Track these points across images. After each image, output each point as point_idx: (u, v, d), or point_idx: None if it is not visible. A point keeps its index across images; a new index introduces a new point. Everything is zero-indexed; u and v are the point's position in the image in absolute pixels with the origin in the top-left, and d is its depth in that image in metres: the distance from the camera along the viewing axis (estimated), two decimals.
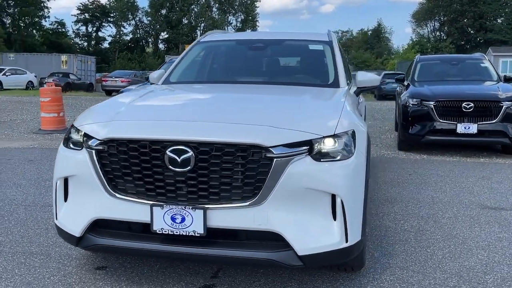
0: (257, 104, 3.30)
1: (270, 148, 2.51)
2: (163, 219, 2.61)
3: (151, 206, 2.62)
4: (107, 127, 2.75)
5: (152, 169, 2.62)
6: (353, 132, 2.83)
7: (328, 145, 2.65)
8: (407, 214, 4.50)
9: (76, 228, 2.79)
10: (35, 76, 30.34)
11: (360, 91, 4.09)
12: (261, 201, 2.54)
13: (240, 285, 2.97)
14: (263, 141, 2.52)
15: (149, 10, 77.17)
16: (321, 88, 3.74)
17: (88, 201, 2.76)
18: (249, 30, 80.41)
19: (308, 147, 2.60)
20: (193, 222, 2.58)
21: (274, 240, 2.59)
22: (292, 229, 2.58)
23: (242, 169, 2.54)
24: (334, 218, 2.63)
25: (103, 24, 77.44)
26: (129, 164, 2.65)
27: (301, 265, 2.59)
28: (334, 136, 2.68)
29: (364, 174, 2.81)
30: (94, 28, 76.95)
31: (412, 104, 7.95)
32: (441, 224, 4.22)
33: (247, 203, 2.55)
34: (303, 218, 2.60)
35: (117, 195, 2.68)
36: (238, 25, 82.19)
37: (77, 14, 75.98)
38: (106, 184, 2.69)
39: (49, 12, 69.54)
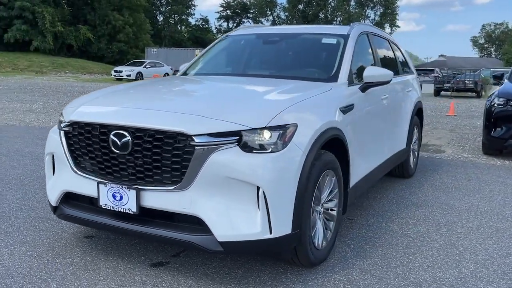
0: (210, 95, 3.45)
1: (193, 137, 2.65)
2: (106, 195, 2.91)
3: (98, 183, 2.94)
4: (75, 111, 3.13)
5: (100, 150, 2.93)
6: (296, 126, 2.82)
7: (258, 137, 2.70)
8: (423, 220, 4.21)
9: (53, 198, 3.23)
10: (171, 69, 33.14)
11: (366, 86, 3.92)
12: (186, 186, 2.70)
13: (192, 267, 3.15)
14: (188, 129, 2.67)
15: (286, 6, 78.93)
16: (310, 82, 3.70)
17: (62, 175, 3.18)
18: (387, 25, 77.60)
19: (237, 138, 2.68)
20: (129, 200, 2.83)
21: (198, 224, 2.73)
22: (213, 215, 2.69)
23: (169, 155, 2.72)
24: (258, 209, 2.67)
25: (243, 20, 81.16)
26: (85, 144, 3.00)
27: (221, 250, 2.70)
28: (265, 128, 2.71)
29: (298, 170, 2.78)
30: (235, 24, 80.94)
31: (498, 104, 7.19)
32: (452, 233, 3.89)
33: (173, 187, 2.73)
34: (226, 205, 2.69)
35: (77, 171, 3.05)
36: (376, 18, 79.77)
37: (220, 11, 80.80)
38: (71, 161, 3.08)
39: (194, 9, 74.94)
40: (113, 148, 2.86)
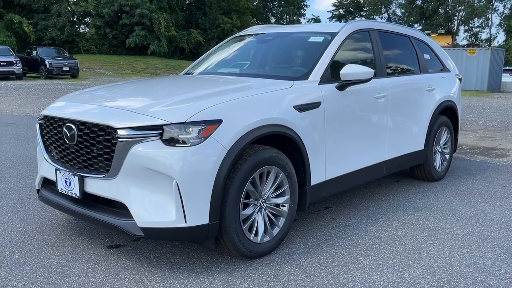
0: (156, 92, 3.67)
1: (117, 130, 2.92)
2: (61, 181, 3.30)
3: (55, 169, 3.33)
4: (48, 106, 3.57)
5: (58, 140, 3.33)
6: (219, 122, 2.95)
7: (178, 131, 2.88)
8: (410, 224, 4.01)
9: (36, 182, 3.71)
10: None
11: (343, 85, 3.84)
12: (114, 175, 2.97)
13: (141, 252, 3.42)
14: (114, 123, 2.94)
15: (403, 2, 75.85)
16: (272, 80, 3.75)
17: (42, 162, 3.63)
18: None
19: (160, 132, 2.89)
20: (74, 186, 3.18)
21: (124, 209, 2.99)
22: (135, 203, 2.93)
23: (101, 146, 3.02)
24: (173, 199, 2.85)
25: (355, 18, 79.63)
26: (50, 135, 3.42)
27: (142, 235, 2.92)
28: (184, 123, 2.88)
29: (216, 163, 2.89)
30: None
31: None
32: (430, 239, 3.67)
33: (103, 176, 3.02)
34: (146, 194, 2.92)
35: (48, 159, 3.48)
36: (505, 12, 73.08)
37: (332, 10, 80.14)
38: (44, 150, 3.52)
39: (306, 10, 75.33)
40: (65, 139, 3.23)
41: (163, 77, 4.89)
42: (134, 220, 2.92)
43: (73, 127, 3.15)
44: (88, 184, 3.14)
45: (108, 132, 2.97)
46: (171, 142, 2.87)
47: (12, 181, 5.25)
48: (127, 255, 3.33)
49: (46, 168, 3.51)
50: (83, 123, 3.11)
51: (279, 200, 3.39)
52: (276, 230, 3.38)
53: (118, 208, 3.08)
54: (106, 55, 41.69)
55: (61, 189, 3.31)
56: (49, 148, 3.48)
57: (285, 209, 3.42)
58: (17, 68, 23.76)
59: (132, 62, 39.57)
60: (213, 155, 2.90)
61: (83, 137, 3.10)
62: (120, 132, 2.90)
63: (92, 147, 3.06)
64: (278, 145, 3.43)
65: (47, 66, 24.82)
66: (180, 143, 2.87)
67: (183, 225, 2.87)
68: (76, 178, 3.15)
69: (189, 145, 2.87)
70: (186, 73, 4.81)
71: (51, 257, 3.27)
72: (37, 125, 3.58)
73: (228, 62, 4.73)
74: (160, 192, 2.89)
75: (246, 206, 3.17)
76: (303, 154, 3.48)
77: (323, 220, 4.09)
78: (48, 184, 3.63)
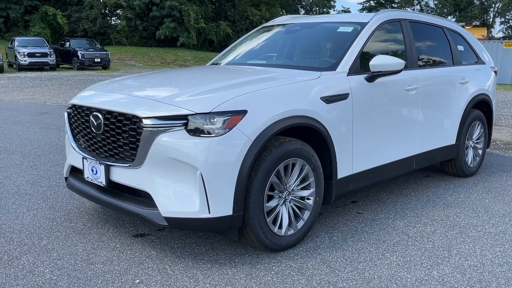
0: (183, 82, 3.65)
1: (143, 119, 2.92)
2: (88, 169, 3.33)
3: (82, 158, 3.37)
4: (77, 95, 3.60)
5: (85, 129, 3.36)
6: (244, 113, 2.92)
7: (203, 122, 2.86)
8: (439, 221, 3.90)
9: (64, 171, 3.76)
10: None
11: (373, 76, 3.75)
12: (139, 164, 2.98)
13: (167, 239, 3.43)
14: (139, 112, 2.94)
15: None
16: (300, 71, 3.69)
17: (70, 150, 3.67)
18: None
19: (185, 122, 2.88)
20: (101, 175, 3.21)
21: (149, 199, 2.99)
22: (159, 192, 2.93)
23: (127, 135, 3.02)
24: (197, 190, 2.84)
25: None
26: (77, 124, 3.45)
27: (166, 225, 2.93)
28: (209, 114, 2.86)
29: (240, 155, 2.86)
30: None
31: None
32: (460, 237, 3.56)
33: (128, 165, 3.03)
34: (171, 184, 2.91)
35: (75, 147, 3.51)
36: None
37: (363, 2, 78.88)
38: (72, 138, 3.56)
39: (335, 1, 74.40)
40: (92, 128, 3.25)
41: (190, 67, 4.89)
42: (158, 210, 2.92)
43: (100, 116, 3.17)
44: (114, 173, 3.16)
45: (134, 121, 2.98)
46: (196, 132, 2.85)
47: (43, 168, 5.36)
48: (151, 244, 3.34)
49: (74, 156, 3.55)
50: (109, 112, 3.12)
51: (304, 193, 3.34)
52: (300, 223, 3.34)
53: (142, 197, 3.09)
54: (136, 47, 42.19)
55: (87, 177, 3.34)
56: (77, 137, 3.52)
57: (310, 202, 3.37)
58: (51, 59, 24.26)
59: (162, 54, 39.92)
60: (237, 146, 2.87)
61: (109, 126, 3.12)
62: (145, 121, 2.90)
63: (118, 136, 3.08)
64: (304, 137, 3.37)
65: (80, 57, 25.27)
66: (205, 134, 2.85)
67: (207, 215, 2.85)
68: (102, 166, 3.18)
69: (213, 135, 2.84)
70: (213, 64, 4.78)
71: (77, 244, 3.32)
72: (66, 114, 3.62)
73: (255, 52, 4.68)
74: (184, 182, 2.88)
75: (270, 198, 3.14)
76: (330, 146, 3.42)
77: (349, 214, 4.02)
78: (76, 172, 3.68)
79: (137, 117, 2.95)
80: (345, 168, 3.60)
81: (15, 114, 9.77)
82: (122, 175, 3.11)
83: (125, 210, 3.09)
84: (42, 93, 13.91)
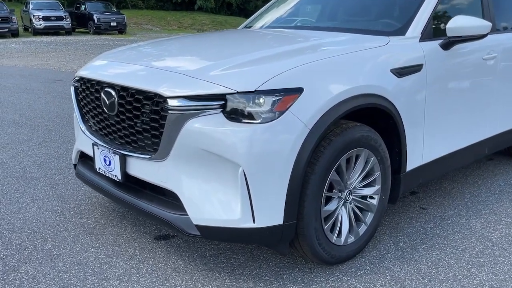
0: (215, 49, 2.94)
1: (168, 99, 2.24)
2: (99, 158, 2.69)
3: (93, 144, 2.72)
4: (85, 66, 2.93)
5: (96, 108, 2.70)
6: (300, 92, 2.22)
7: (246, 103, 2.18)
8: None
9: (73, 156, 3.14)
10: None
11: (449, 42, 2.99)
12: (164, 156, 2.32)
13: (196, 243, 2.81)
14: (164, 90, 2.26)
15: None
16: (363, 36, 2.95)
17: (79, 133, 3.04)
18: None
19: (222, 103, 2.20)
20: (115, 166, 2.57)
21: (177, 200, 2.35)
22: (190, 194, 2.29)
23: (148, 119, 2.36)
24: (238, 192, 2.18)
25: None
26: (86, 101, 2.79)
27: (197, 234, 2.29)
28: (255, 92, 2.17)
29: (294, 146, 2.18)
30: None
31: None
32: None
33: (150, 156, 2.38)
34: (203, 184, 2.26)
35: (85, 130, 2.87)
36: None
37: None
38: (81, 119, 2.92)
39: None
40: (104, 108, 2.60)
41: (221, 31, 4.15)
42: (188, 215, 2.28)
43: (113, 93, 2.50)
44: (131, 165, 2.51)
45: (157, 101, 2.30)
46: (237, 117, 2.18)
47: (53, 146, 4.77)
48: (177, 250, 2.73)
49: (83, 140, 2.91)
50: (125, 89, 2.45)
51: (368, 191, 2.67)
52: (362, 229, 2.68)
53: (168, 196, 2.45)
54: (153, 10, 41.08)
55: (99, 168, 2.71)
56: (86, 117, 2.88)
57: (375, 202, 2.70)
58: (67, 23, 23.52)
59: (179, 17, 38.81)
60: (291, 136, 2.18)
61: (124, 106, 2.46)
62: (171, 102, 2.23)
63: (136, 120, 2.42)
64: (367, 121, 2.67)
65: (95, 21, 24.45)
66: (249, 119, 2.17)
67: (251, 225, 2.20)
68: (117, 157, 2.53)
69: (259, 121, 2.16)
70: (246, 28, 4.05)
71: (88, 250, 2.72)
72: (72, 88, 2.96)
73: (299, 12, 3.92)
74: (221, 182, 2.22)
75: (328, 200, 2.47)
76: (400, 131, 2.72)
77: (411, 210, 3.34)
78: (86, 159, 3.05)
79: (160, 96, 2.27)
80: (415, 157, 2.91)
81: (27, 81, 9.20)
82: (142, 168, 2.46)
83: (146, 212, 2.46)
84: (57, 59, 13.30)
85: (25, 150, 4.63)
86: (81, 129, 2.88)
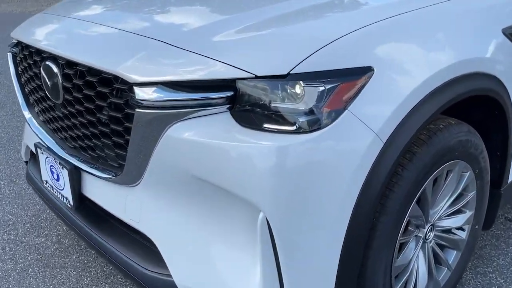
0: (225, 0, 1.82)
1: (134, 87, 1.28)
2: (45, 168, 1.77)
3: (35, 146, 1.80)
4: (25, 24, 1.96)
5: (39, 91, 1.76)
6: (369, 75, 1.24)
7: (270, 96, 1.21)
8: None
9: (23, 152, 2.22)
10: None
11: None
12: (134, 180, 1.39)
13: None
14: (128, 70, 1.29)
15: None
16: None
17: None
18: None
19: (230, 95, 1.23)
20: (65, 185, 1.65)
21: (155, 246, 1.44)
22: (175, 246, 1.37)
23: (106, 117, 1.41)
24: (258, 255, 1.25)
25: None
26: (28, 77, 1.84)
27: None
28: (286, 77, 1.19)
29: (357, 177, 1.23)
30: None
31: None
32: None
33: (112, 176, 1.45)
34: (199, 234, 1.33)
35: (28, 119, 1.94)
36: None
37: None
38: (23, 101, 1.98)
39: None
40: (46, 91, 1.65)
41: None
42: (172, 279, 1.37)
43: (56, 70, 1.54)
44: (87, 184, 1.60)
45: (118, 89, 1.35)
46: (256, 120, 1.21)
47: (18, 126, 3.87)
48: None
49: (29, 133, 1.99)
50: (70, 64, 1.49)
51: (456, 222, 1.72)
52: (445, 276, 1.76)
53: (146, 239, 1.53)
54: None
55: (46, 181, 1.80)
56: (30, 100, 1.94)
57: (463, 235, 1.77)
58: None
59: None
60: (351, 156, 1.22)
61: (72, 92, 1.50)
62: (140, 92, 1.27)
63: (89, 116, 1.47)
64: (454, 113, 1.67)
65: None
66: (276, 124, 1.21)
67: None
68: (66, 171, 1.60)
69: (295, 128, 1.20)
70: None
71: None
72: (9, 55, 2.00)
73: None
74: (228, 235, 1.29)
75: (401, 246, 1.54)
76: (510, 126, 1.73)
77: (510, 241, 2.37)
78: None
79: (123, 81, 1.31)
80: None
81: None
82: (103, 192, 1.54)
83: (110, 260, 1.56)
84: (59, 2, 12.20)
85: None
86: (25, 117, 1.95)
